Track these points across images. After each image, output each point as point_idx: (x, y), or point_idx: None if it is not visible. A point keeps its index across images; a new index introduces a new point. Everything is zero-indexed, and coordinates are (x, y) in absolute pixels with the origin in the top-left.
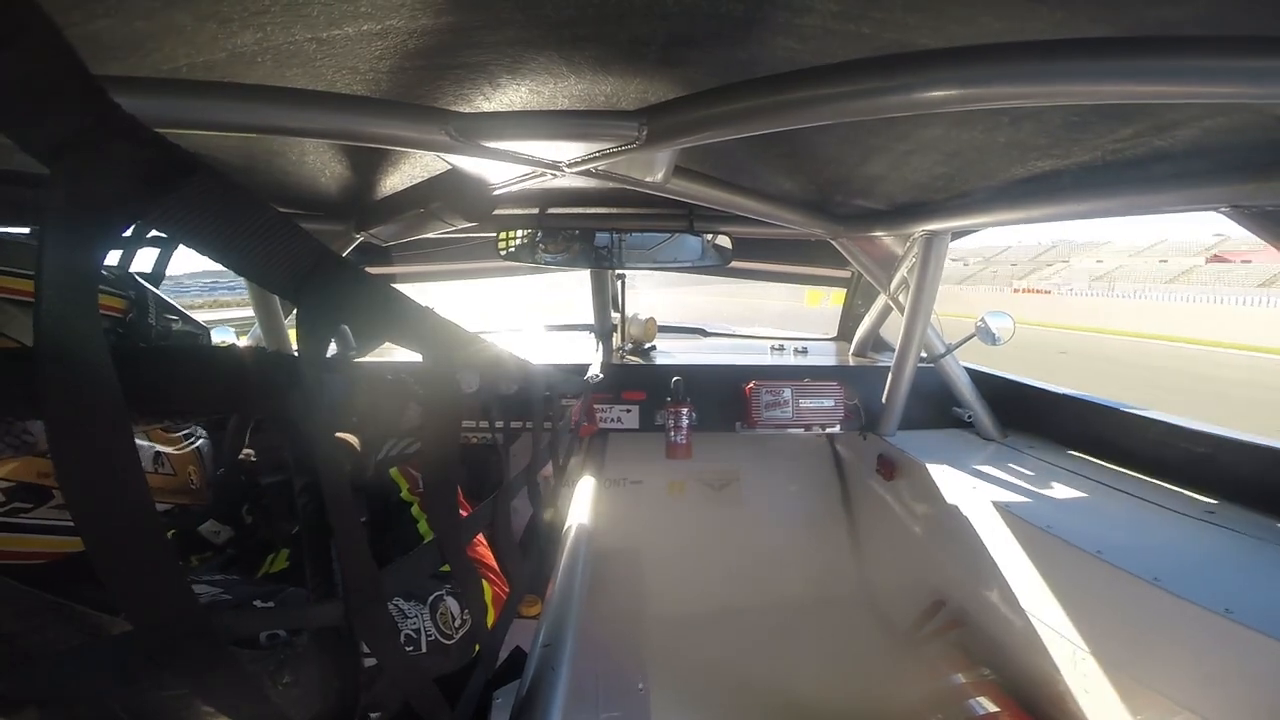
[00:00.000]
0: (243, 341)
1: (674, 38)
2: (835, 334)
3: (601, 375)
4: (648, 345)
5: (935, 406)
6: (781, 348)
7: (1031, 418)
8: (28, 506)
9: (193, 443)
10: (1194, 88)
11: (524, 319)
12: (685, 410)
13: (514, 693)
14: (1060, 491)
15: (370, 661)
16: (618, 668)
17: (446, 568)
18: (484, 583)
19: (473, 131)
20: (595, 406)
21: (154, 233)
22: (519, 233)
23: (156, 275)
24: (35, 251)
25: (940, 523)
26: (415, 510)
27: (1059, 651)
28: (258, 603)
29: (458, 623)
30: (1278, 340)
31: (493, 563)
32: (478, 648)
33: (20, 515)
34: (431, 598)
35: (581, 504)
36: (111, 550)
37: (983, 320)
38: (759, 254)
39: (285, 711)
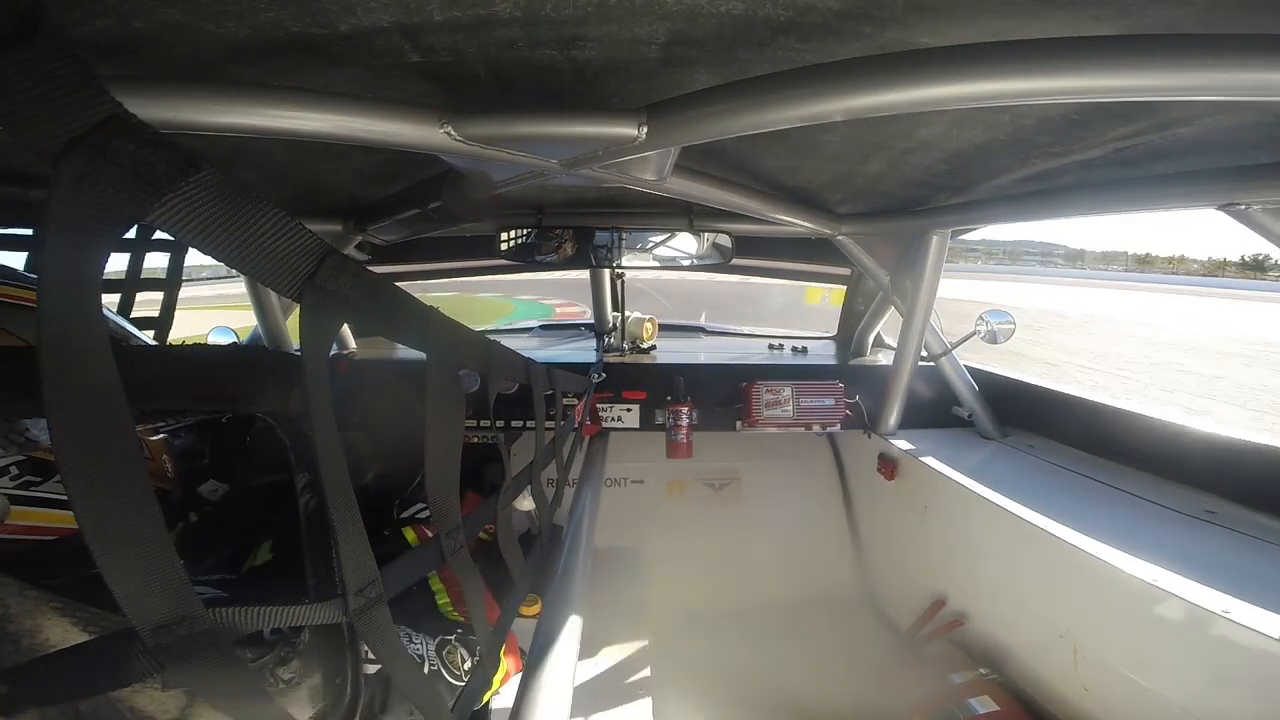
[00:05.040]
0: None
1: (674, 36)
2: (835, 332)
3: (603, 374)
4: (647, 344)
5: (935, 405)
6: (780, 346)
7: (1032, 417)
8: (37, 480)
9: (159, 431)
10: (1197, 86)
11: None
12: (686, 409)
13: (513, 691)
14: (1060, 491)
15: (374, 668)
16: (618, 667)
17: (456, 615)
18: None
19: (471, 131)
20: (597, 406)
21: (160, 235)
22: (519, 232)
23: (173, 280)
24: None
25: (940, 522)
26: (434, 583)
27: (1058, 651)
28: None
29: (466, 665)
30: None
31: (513, 642)
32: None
33: (31, 489)
34: (439, 639)
35: (582, 503)
36: (114, 550)
37: (983, 319)
38: (759, 251)
39: (287, 709)
